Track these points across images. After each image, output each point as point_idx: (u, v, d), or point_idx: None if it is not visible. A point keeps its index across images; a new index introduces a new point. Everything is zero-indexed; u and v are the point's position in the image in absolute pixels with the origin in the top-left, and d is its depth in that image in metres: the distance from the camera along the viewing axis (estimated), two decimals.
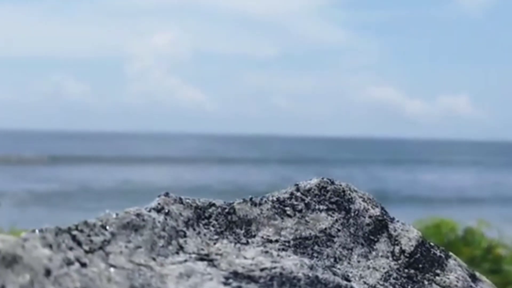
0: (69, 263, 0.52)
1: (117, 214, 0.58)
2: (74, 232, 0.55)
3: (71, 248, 0.53)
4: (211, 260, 0.60)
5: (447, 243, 5.55)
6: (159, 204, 0.60)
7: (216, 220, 0.63)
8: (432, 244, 0.78)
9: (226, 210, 0.65)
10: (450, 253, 0.79)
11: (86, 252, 0.54)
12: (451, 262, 0.76)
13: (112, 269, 0.53)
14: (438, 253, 0.76)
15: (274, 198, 0.70)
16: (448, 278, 0.73)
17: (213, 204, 0.64)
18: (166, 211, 0.59)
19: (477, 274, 0.79)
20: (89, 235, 0.56)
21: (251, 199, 0.68)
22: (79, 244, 0.54)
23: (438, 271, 0.74)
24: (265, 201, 0.69)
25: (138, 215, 0.59)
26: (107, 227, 0.57)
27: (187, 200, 0.62)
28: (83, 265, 0.53)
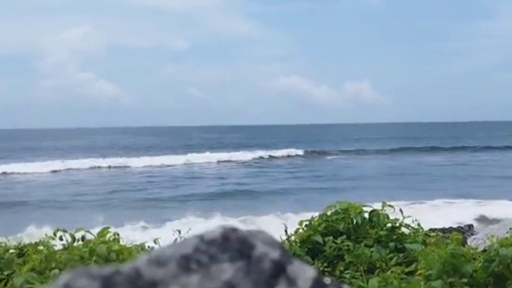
0: None
1: None
2: None
3: None
4: None
5: (355, 226, 5.83)
6: (65, 282, 0.62)
7: (123, 287, 0.66)
8: (328, 281, 0.85)
9: (132, 276, 0.68)
10: (344, 287, 0.86)
11: None
12: None
13: None
14: None
15: (179, 255, 0.74)
16: None
17: (119, 272, 0.67)
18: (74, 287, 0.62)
19: None
20: None
21: (157, 259, 0.71)
22: None
23: None
24: (171, 260, 0.73)
25: None
26: None
27: (94, 273, 0.64)
28: None
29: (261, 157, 43.58)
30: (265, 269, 0.81)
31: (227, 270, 0.77)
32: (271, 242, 0.85)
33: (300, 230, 5.85)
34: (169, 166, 38.62)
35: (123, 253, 4.81)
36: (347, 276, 4.87)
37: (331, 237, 5.53)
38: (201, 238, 0.78)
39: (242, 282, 0.77)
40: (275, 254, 0.83)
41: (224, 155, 43.61)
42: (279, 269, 0.82)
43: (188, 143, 69.04)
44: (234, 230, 0.81)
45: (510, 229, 4.95)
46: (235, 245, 0.80)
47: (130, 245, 5.16)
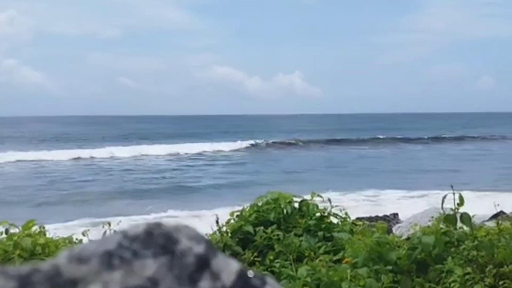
0: None
1: None
2: None
3: None
4: None
5: (286, 216, 5.92)
6: None
7: (42, 286, 0.65)
8: (251, 274, 0.86)
9: (51, 274, 0.67)
10: (268, 280, 0.88)
11: None
12: None
13: None
14: (255, 283, 0.84)
15: (102, 251, 0.73)
16: None
17: (37, 270, 0.66)
18: None
19: None
20: None
21: (78, 256, 0.70)
22: None
23: None
24: (93, 256, 0.72)
25: None
26: None
27: (11, 271, 0.63)
28: None
29: (202, 151, 42.14)
30: (189, 263, 0.81)
31: (150, 265, 0.77)
32: (196, 236, 0.85)
33: (232, 221, 5.88)
34: (93, 158, 37.11)
35: (49, 247, 4.68)
36: (277, 265, 4.94)
37: (261, 227, 5.59)
38: (124, 234, 0.78)
39: (165, 278, 0.77)
40: (199, 248, 0.84)
41: (157, 147, 42.49)
42: (203, 263, 0.82)
43: (120, 133, 67.56)
44: (158, 225, 0.81)
45: (432, 217, 5.17)
46: (159, 240, 0.80)
47: (57, 238, 5.02)
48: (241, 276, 0.85)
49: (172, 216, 16.21)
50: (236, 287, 0.83)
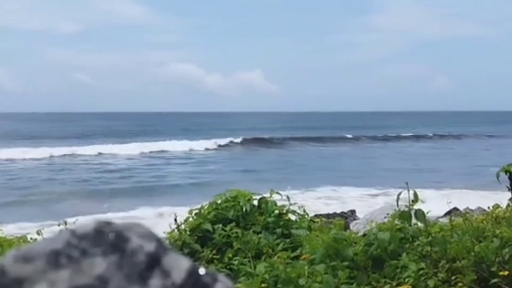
0: None
1: None
2: None
3: None
4: None
5: (244, 213, 5.93)
6: None
7: None
8: (202, 271, 0.86)
9: None
10: (220, 277, 0.89)
11: None
12: (218, 286, 0.86)
13: None
14: (206, 280, 0.85)
15: (49, 250, 0.72)
16: None
17: None
18: None
19: None
20: None
21: (24, 255, 0.70)
22: None
23: None
24: (40, 255, 0.71)
25: None
26: None
27: None
28: None
29: (164, 150, 41.21)
30: (139, 262, 0.81)
31: (99, 264, 0.76)
32: (147, 234, 0.85)
33: (190, 219, 5.86)
34: (53, 156, 36.07)
35: (2, 246, 4.58)
36: (235, 262, 4.96)
37: (220, 225, 5.60)
38: (73, 232, 0.77)
39: (114, 276, 0.77)
40: (150, 246, 0.83)
41: (118, 146, 41.45)
42: (153, 261, 0.82)
43: (80, 130, 66.24)
44: (108, 223, 0.80)
45: (388, 214, 5.27)
46: (108, 239, 0.79)
47: (11, 238, 4.92)
48: (192, 274, 0.85)
49: (133, 217, 16.02)
50: (187, 284, 0.83)
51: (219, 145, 45.97)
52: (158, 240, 0.87)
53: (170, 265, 0.84)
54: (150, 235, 0.85)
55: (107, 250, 0.78)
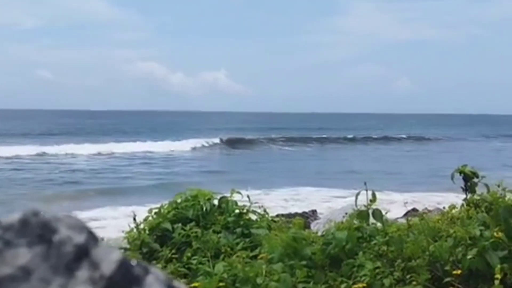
0: None
1: None
2: None
3: None
4: None
5: (204, 213, 5.91)
6: None
7: None
8: (134, 262, 0.86)
9: None
10: (151, 269, 0.88)
11: None
12: (150, 278, 0.86)
13: None
14: (136, 271, 0.84)
15: None
16: None
17: None
18: None
19: (176, 284, 0.90)
20: None
21: None
22: None
23: None
24: None
25: None
26: None
27: None
28: None
29: (129, 150, 40.33)
30: (67, 253, 0.80)
31: (24, 255, 0.75)
32: (77, 226, 0.84)
33: (150, 218, 5.81)
34: (18, 155, 34.95)
35: None
36: (194, 262, 4.94)
37: (180, 224, 5.57)
38: None
39: (39, 267, 0.76)
40: (80, 238, 0.83)
41: (84, 146, 40.41)
42: (82, 253, 0.82)
43: (43, 128, 64.87)
44: (35, 214, 0.79)
45: (346, 213, 5.33)
46: (35, 229, 0.78)
47: None
48: (122, 265, 0.84)
49: (93, 217, 15.77)
50: (116, 275, 0.82)
51: (187, 146, 45.48)
52: (89, 232, 0.86)
53: (99, 257, 0.83)
54: (80, 227, 0.85)
55: (32, 241, 0.77)
